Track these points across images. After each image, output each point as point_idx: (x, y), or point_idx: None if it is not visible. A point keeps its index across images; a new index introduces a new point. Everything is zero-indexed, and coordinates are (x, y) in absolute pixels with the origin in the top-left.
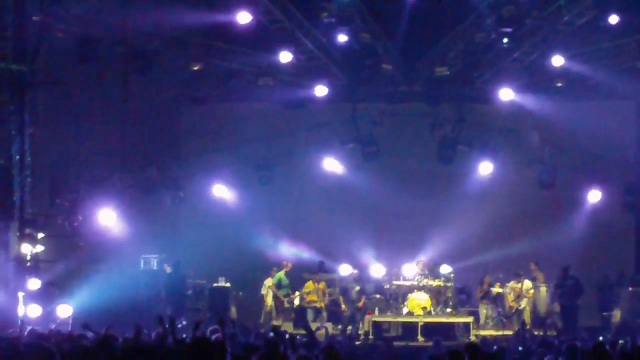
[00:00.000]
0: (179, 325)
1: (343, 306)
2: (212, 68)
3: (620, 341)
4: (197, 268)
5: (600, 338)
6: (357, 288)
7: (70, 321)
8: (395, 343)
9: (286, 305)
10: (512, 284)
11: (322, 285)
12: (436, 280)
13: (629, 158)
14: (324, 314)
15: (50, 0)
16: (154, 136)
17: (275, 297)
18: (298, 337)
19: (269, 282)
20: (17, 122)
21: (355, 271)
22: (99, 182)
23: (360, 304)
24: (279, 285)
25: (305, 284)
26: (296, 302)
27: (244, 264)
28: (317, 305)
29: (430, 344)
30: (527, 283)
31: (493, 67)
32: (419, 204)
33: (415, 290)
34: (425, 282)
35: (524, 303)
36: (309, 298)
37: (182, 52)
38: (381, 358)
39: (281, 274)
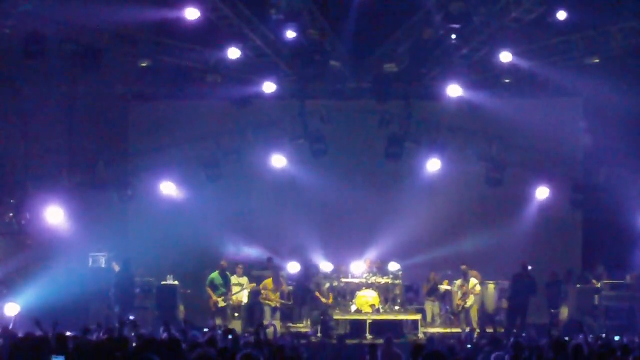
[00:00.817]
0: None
1: (323, 299)
2: (160, 65)
3: (566, 338)
4: (145, 266)
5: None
6: (327, 285)
7: (13, 319)
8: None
9: (221, 304)
10: (459, 282)
11: (268, 282)
12: (384, 277)
13: (576, 155)
14: (278, 313)
15: None
16: (102, 133)
17: (209, 296)
18: (246, 334)
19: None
20: None
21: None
22: (47, 180)
23: (329, 301)
24: (211, 285)
25: (264, 281)
26: (243, 299)
27: (192, 262)
28: (273, 304)
29: (379, 341)
30: (474, 280)
31: (441, 64)
32: (367, 201)
33: (363, 288)
34: (373, 279)
35: (470, 300)
36: (270, 296)
37: (130, 48)
38: (330, 355)
39: (214, 274)
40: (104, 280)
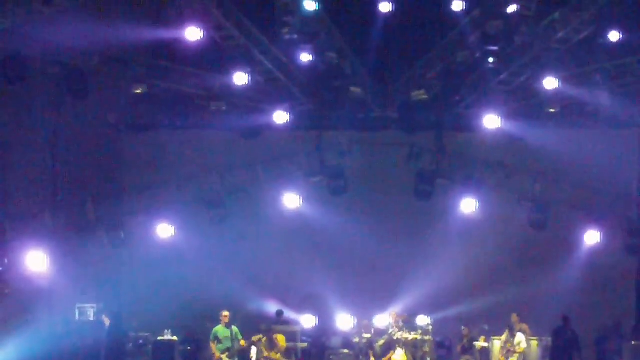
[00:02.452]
0: None
1: None
2: (157, 91)
3: None
4: (139, 319)
5: None
6: (381, 342)
7: None
8: None
9: None
10: (504, 336)
11: (279, 338)
12: (412, 333)
13: (631, 194)
14: None
15: None
16: (91, 168)
17: (213, 353)
18: None
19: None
20: None
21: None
22: (27, 221)
23: (385, 359)
24: (215, 340)
25: (261, 340)
26: (253, 356)
27: (192, 315)
28: None
29: None
30: (520, 336)
31: (477, 91)
32: (393, 246)
33: (397, 346)
34: (399, 335)
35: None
36: (265, 354)
37: (123, 72)
38: None
39: (218, 327)
40: (92, 335)
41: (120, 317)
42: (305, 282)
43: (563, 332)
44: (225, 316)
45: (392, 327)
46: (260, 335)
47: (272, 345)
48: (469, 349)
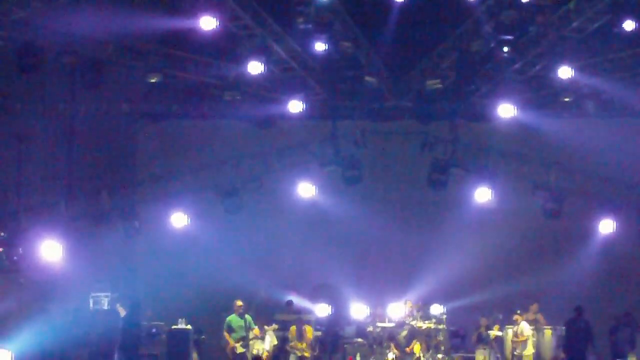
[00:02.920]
0: None
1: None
2: (171, 80)
3: None
4: (154, 308)
5: None
6: (404, 333)
7: None
8: None
9: (239, 350)
10: (511, 327)
11: (308, 330)
12: (426, 322)
13: None
14: None
15: None
16: (105, 158)
17: (227, 342)
18: None
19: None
20: None
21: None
22: (42, 211)
23: (408, 349)
24: (229, 330)
25: (290, 329)
26: (266, 345)
27: (207, 304)
28: (299, 353)
29: None
30: (523, 326)
31: (491, 80)
32: (407, 235)
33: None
34: (414, 324)
35: (520, 349)
36: (292, 344)
37: (138, 62)
38: None
39: (231, 317)
40: (106, 324)
41: (137, 307)
42: (320, 271)
43: (576, 322)
44: (240, 306)
45: (406, 316)
46: (275, 325)
47: (300, 335)
48: (485, 338)
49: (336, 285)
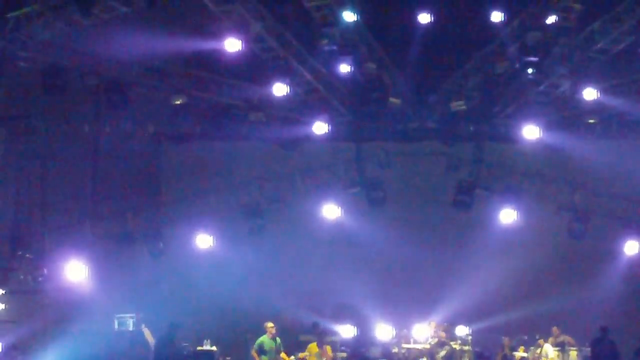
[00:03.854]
0: None
1: None
2: (196, 102)
3: None
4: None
5: None
6: (443, 353)
7: None
8: None
9: None
10: (532, 349)
11: (328, 349)
12: (452, 342)
13: None
14: None
15: (12, 25)
16: (130, 179)
17: None
18: None
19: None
20: None
21: (443, 334)
22: (67, 232)
23: None
24: (260, 351)
25: (308, 347)
26: None
27: (232, 325)
28: None
29: None
30: (547, 348)
31: (516, 101)
32: (432, 256)
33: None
34: (431, 343)
35: None
36: None
37: (162, 83)
38: None
39: (263, 338)
40: (132, 344)
41: (175, 330)
42: (344, 292)
43: (602, 343)
44: (271, 327)
45: (431, 338)
46: (307, 353)
47: (321, 355)
48: (509, 359)
49: (355, 305)
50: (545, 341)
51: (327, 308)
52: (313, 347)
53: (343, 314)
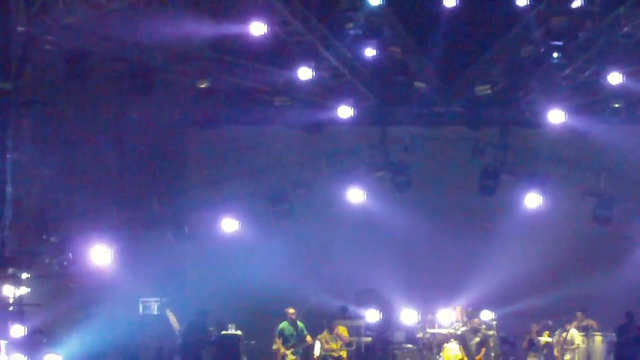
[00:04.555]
0: None
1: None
2: (221, 86)
3: None
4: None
5: None
6: (477, 339)
7: None
8: None
9: (290, 358)
10: (557, 333)
11: (341, 329)
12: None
13: None
14: None
15: (37, 9)
16: (155, 164)
17: (278, 349)
18: None
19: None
20: None
21: (476, 320)
22: (92, 216)
23: (478, 357)
24: (281, 336)
25: (323, 334)
26: (317, 352)
27: (256, 309)
28: (336, 354)
29: None
30: (573, 332)
31: (541, 86)
32: (457, 241)
33: (452, 340)
34: (463, 330)
35: (568, 357)
36: (327, 347)
37: (187, 68)
38: None
39: (284, 324)
40: (156, 329)
41: (204, 316)
42: (369, 277)
43: (628, 329)
44: (292, 313)
45: (456, 322)
46: (325, 332)
47: (334, 337)
48: (536, 344)
49: (378, 290)
50: (571, 325)
51: (350, 294)
52: (324, 334)
53: (366, 299)
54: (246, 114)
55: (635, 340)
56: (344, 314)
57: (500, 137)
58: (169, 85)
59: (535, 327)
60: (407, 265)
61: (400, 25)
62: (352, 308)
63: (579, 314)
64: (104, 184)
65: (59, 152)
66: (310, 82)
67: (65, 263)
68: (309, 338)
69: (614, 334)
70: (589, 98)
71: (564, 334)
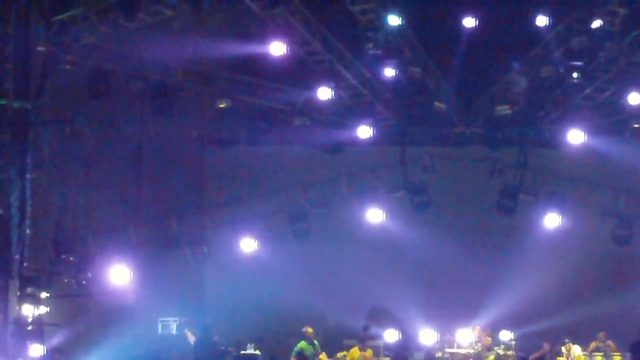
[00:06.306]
0: None
1: None
2: (240, 106)
3: None
4: (222, 333)
5: None
6: (492, 357)
7: None
8: None
9: None
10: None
11: (368, 353)
12: (495, 347)
13: None
14: None
15: (57, 29)
16: (174, 183)
17: None
18: None
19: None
20: (18, 166)
21: (488, 338)
22: (111, 235)
23: None
24: (300, 357)
25: (350, 351)
26: None
27: (275, 329)
28: None
29: None
30: (576, 349)
31: (561, 106)
32: (476, 261)
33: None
34: (477, 349)
35: None
36: None
37: (207, 87)
38: None
39: (303, 344)
40: (175, 348)
41: (208, 331)
42: (388, 296)
43: None
44: (311, 332)
45: (475, 342)
46: (345, 352)
47: (363, 358)
48: None
49: (391, 309)
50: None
51: (362, 312)
52: (355, 351)
53: (378, 317)
54: (265, 133)
55: None
56: (365, 333)
57: (519, 157)
58: (189, 104)
59: (547, 347)
60: (426, 285)
61: (419, 45)
62: (374, 328)
63: (601, 334)
64: (122, 203)
65: (78, 171)
66: (330, 102)
67: (84, 282)
68: (322, 357)
69: None
70: (608, 118)
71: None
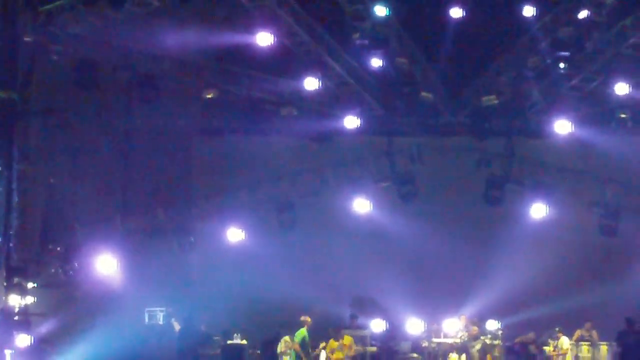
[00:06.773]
0: None
1: None
2: (227, 96)
3: None
4: (208, 323)
5: None
6: (478, 346)
7: None
8: None
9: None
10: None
11: (347, 340)
12: (482, 337)
13: None
14: None
15: (44, 19)
16: (161, 173)
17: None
18: None
19: (287, 339)
20: (4, 157)
21: (475, 328)
22: (98, 225)
23: None
24: (303, 345)
25: (329, 342)
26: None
27: (262, 319)
28: None
29: None
30: (563, 340)
31: (548, 96)
32: (463, 251)
33: (455, 351)
34: (463, 338)
35: None
36: (334, 357)
37: (194, 78)
38: None
39: (304, 331)
40: (161, 338)
41: (192, 321)
42: (374, 286)
43: (627, 335)
44: (309, 321)
45: (462, 332)
46: (324, 343)
47: (340, 346)
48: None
49: (374, 298)
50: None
51: (348, 301)
52: (332, 342)
53: (363, 306)
54: (252, 123)
55: (636, 344)
56: (352, 322)
57: (506, 147)
58: (175, 94)
59: (532, 335)
60: (413, 275)
61: (406, 35)
62: (360, 317)
63: (587, 324)
64: (109, 193)
65: (65, 161)
66: (317, 92)
67: (70, 272)
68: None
69: None
70: (595, 108)
71: (555, 342)
